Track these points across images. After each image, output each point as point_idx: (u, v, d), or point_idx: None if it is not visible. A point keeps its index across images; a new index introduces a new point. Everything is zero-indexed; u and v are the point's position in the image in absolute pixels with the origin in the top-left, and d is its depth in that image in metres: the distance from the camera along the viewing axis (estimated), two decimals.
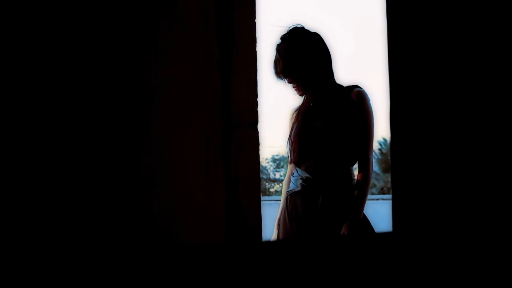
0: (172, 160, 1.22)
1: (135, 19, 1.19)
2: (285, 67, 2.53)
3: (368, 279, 1.07)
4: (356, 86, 2.56)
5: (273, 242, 1.15)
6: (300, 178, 2.55)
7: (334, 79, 2.61)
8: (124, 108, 1.17)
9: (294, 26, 2.58)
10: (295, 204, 2.55)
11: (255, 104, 1.29)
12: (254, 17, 1.31)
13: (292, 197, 2.57)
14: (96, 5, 1.15)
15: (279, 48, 2.57)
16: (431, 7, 1.12)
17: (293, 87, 2.60)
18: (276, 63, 2.57)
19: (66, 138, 1.12)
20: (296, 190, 2.56)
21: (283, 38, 2.58)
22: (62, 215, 1.10)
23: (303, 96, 2.65)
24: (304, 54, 2.53)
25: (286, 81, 2.59)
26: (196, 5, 1.25)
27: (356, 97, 2.51)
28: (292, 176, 2.64)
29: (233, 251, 1.10)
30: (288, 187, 2.65)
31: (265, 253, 1.09)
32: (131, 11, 1.19)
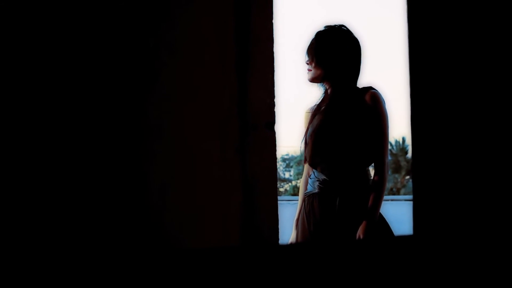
0: (189, 161, 1.21)
1: (152, 19, 1.19)
2: (316, 52, 2.54)
3: (386, 283, 1.06)
4: (371, 88, 2.56)
5: (290, 245, 1.14)
6: (317, 180, 2.56)
7: (355, 85, 2.61)
8: (140, 108, 1.17)
9: (343, 25, 2.60)
10: (312, 206, 2.56)
11: (272, 105, 1.29)
12: (271, 18, 1.30)
13: (310, 199, 2.58)
14: (113, 4, 1.15)
15: (320, 34, 2.59)
16: (452, 7, 1.11)
17: (308, 70, 2.60)
18: (310, 45, 2.59)
19: (81, 138, 1.12)
20: (314, 192, 2.57)
21: (329, 27, 2.59)
22: (76, 217, 1.10)
23: (320, 97, 2.65)
24: (340, 50, 2.55)
25: (307, 60, 2.60)
26: (214, 6, 1.24)
27: (370, 99, 2.51)
28: (309, 178, 2.64)
29: (249, 254, 1.09)
30: (306, 188, 2.66)
31: (282, 257, 1.09)
32: (147, 11, 1.18)
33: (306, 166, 2.73)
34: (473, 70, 1.12)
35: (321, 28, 2.62)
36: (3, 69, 1.08)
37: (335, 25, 2.60)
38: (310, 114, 2.69)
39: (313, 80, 2.62)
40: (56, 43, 1.11)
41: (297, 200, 2.78)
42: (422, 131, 1.11)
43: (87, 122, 1.12)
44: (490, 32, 1.12)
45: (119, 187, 1.14)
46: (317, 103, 2.67)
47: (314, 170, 2.61)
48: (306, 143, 2.62)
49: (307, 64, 2.60)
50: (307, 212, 2.58)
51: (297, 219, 2.67)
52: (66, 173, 1.10)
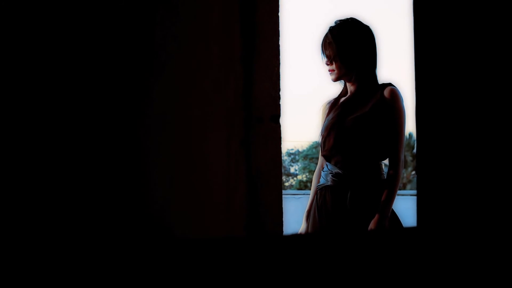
0: (193, 154, 1.21)
1: (158, 11, 1.19)
2: (338, 51, 2.52)
3: (390, 275, 1.06)
4: (390, 84, 2.56)
5: (294, 236, 1.14)
6: (330, 173, 2.57)
7: (375, 75, 2.61)
8: (145, 100, 1.17)
9: (353, 17, 2.58)
10: (325, 199, 2.56)
11: (278, 98, 1.29)
12: (278, 11, 1.30)
13: (322, 191, 2.59)
14: None
15: (335, 31, 2.56)
16: (460, 3, 1.11)
17: (329, 70, 2.59)
18: (326, 45, 2.57)
19: (85, 131, 1.12)
20: (326, 184, 2.57)
21: (341, 22, 2.57)
22: (80, 211, 1.10)
23: (340, 91, 2.66)
24: (360, 45, 2.54)
25: (326, 62, 2.58)
26: None
27: (389, 95, 2.51)
28: (322, 171, 2.65)
29: (253, 246, 1.09)
30: (318, 181, 2.67)
31: (286, 248, 1.09)
32: (154, 3, 1.18)
33: (321, 158, 2.74)
34: (480, 67, 1.12)
35: (333, 24, 2.59)
36: (21, 58, 1.08)
37: (347, 19, 2.58)
38: (327, 107, 2.70)
39: (339, 79, 2.61)
40: (63, 37, 1.11)
41: (303, 194, 2.80)
42: (427, 127, 1.11)
43: (92, 115, 1.12)
44: (500, 27, 1.12)
45: (122, 181, 1.14)
46: (336, 96, 2.69)
47: (327, 163, 2.61)
48: (322, 136, 2.63)
49: (327, 64, 2.59)
50: (319, 205, 2.59)
51: (308, 211, 2.67)
52: (70, 168, 1.10)
